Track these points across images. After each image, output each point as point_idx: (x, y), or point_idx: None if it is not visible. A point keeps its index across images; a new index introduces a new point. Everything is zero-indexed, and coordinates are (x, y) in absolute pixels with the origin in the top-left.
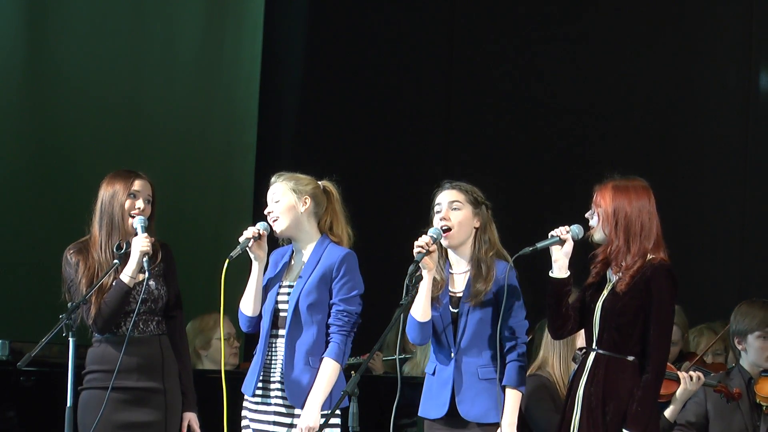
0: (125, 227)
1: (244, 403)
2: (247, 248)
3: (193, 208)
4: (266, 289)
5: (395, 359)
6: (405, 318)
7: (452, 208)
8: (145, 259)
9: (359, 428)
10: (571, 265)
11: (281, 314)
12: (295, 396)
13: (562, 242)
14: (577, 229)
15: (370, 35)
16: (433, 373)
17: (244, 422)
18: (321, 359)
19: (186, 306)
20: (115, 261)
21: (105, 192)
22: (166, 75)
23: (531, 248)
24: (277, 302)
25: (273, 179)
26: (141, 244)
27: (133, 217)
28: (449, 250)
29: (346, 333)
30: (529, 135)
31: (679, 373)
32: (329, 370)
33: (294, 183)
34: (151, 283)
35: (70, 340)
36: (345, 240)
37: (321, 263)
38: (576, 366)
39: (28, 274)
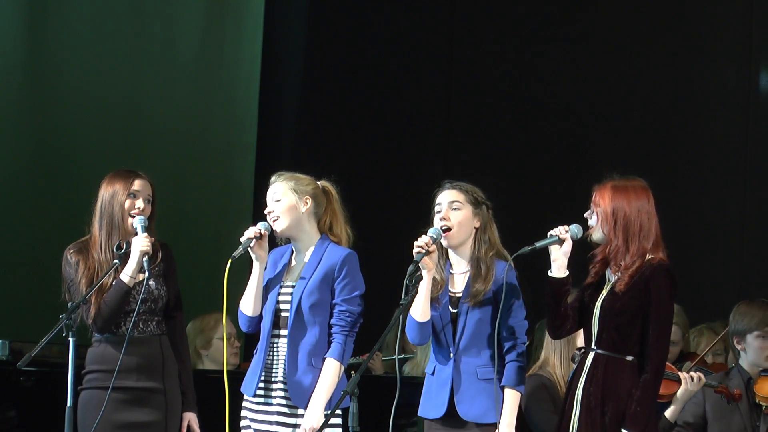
0: (125, 227)
1: (244, 403)
2: (249, 248)
3: (193, 208)
4: (266, 289)
5: (395, 359)
6: (405, 318)
7: (452, 208)
8: (145, 259)
9: (359, 428)
10: (570, 264)
11: (283, 314)
12: (298, 396)
13: (561, 242)
14: (576, 228)
15: (370, 35)
16: (433, 373)
17: (243, 422)
18: (323, 359)
19: (186, 306)
20: (115, 261)
21: (105, 192)
22: (166, 75)
23: (530, 248)
24: (278, 302)
25: (273, 179)
26: (141, 243)
27: (133, 217)
28: (450, 250)
29: (348, 333)
30: (529, 135)
31: (680, 373)
32: (332, 371)
33: (294, 183)
34: (151, 283)
35: (70, 340)
36: (344, 240)
37: (322, 263)
38: (575, 366)
39: (28, 274)
